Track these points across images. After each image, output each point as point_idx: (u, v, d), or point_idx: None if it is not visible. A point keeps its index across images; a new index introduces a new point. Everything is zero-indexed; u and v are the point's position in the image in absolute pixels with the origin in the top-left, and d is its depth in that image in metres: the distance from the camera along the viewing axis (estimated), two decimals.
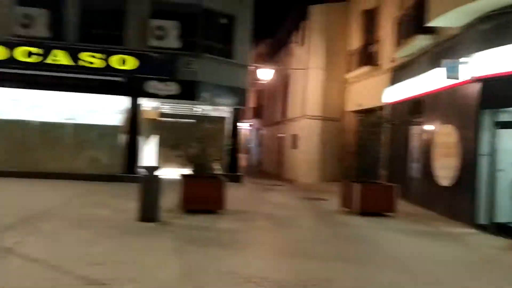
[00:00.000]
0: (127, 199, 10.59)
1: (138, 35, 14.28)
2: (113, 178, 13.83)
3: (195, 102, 14.88)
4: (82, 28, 14.26)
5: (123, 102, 14.52)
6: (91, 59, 13.83)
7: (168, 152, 16.02)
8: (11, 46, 13.41)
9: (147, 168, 8.23)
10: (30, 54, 13.44)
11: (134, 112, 14.54)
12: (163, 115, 15.80)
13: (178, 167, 12.71)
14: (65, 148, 14.32)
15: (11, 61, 13.40)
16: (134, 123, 14.55)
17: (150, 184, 8.00)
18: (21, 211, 8.14)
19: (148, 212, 7.98)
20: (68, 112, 14.60)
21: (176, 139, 10.11)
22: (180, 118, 15.83)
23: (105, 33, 14.50)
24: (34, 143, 14.08)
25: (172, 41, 14.12)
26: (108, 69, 13.96)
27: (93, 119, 14.59)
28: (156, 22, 14.07)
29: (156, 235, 7.11)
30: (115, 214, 8.66)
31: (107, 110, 14.79)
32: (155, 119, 15.64)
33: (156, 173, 8.11)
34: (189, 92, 14.46)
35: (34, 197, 10.48)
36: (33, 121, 14.14)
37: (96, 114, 14.67)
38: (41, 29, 13.46)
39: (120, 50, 14.12)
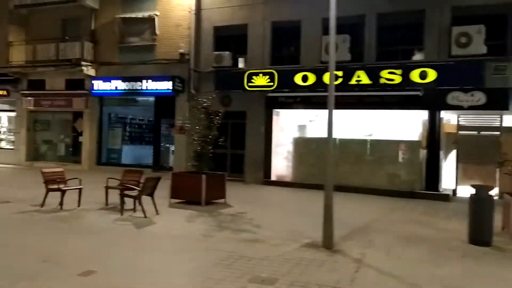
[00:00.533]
0: (440, 218, 10.18)
1: (438, 46, 13.71)
2: (412, 194, 13.56)
3: (505, 112, 13.17)
4: (380, 47, 14.72)
5: (421, 116, 14.18)
6: (390, 75, 14.07)
7: (469, 168, 14.74)
8: (318, 72, 15.01)
9: (477, 187, 7.57)
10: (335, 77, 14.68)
11: (433, 126, 13.96)
12: (462, 127, 14.60)
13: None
14: (364, 163, 14.92)
15: (318, 85, 14.95)
16: (433, 138, 13.96)
17: (482, 204, 7.34)
18: (346, 223, 8.62)
19: (480, 235, 7.35)
20: (367, 129, 15.26)
21: (500, 154, 9.05)
22: (482, 130, 14.33)
23: (402, 48, 14.57)
24: (336, 158, 15.19)
25: (477, 47, 12.93)
26: (406, 84, 13.88)
27: (392, 134, 14.75)
28: (459, 29, 13.17)
29: (500, 262, 6.40)
30: (438, 234, 8.30)
31: (405, 125, 14.74)
32: (454, 133, 14.63)
33: (489, 193, 7.38)
34: (498, 100, 12.90)
35: (347, 210, 11.05)
36: (335, 138, 15.31)
37: (394, 130, 14.79)
38: (344, 54, 14.57)
39: (419, 64, 13.87)
